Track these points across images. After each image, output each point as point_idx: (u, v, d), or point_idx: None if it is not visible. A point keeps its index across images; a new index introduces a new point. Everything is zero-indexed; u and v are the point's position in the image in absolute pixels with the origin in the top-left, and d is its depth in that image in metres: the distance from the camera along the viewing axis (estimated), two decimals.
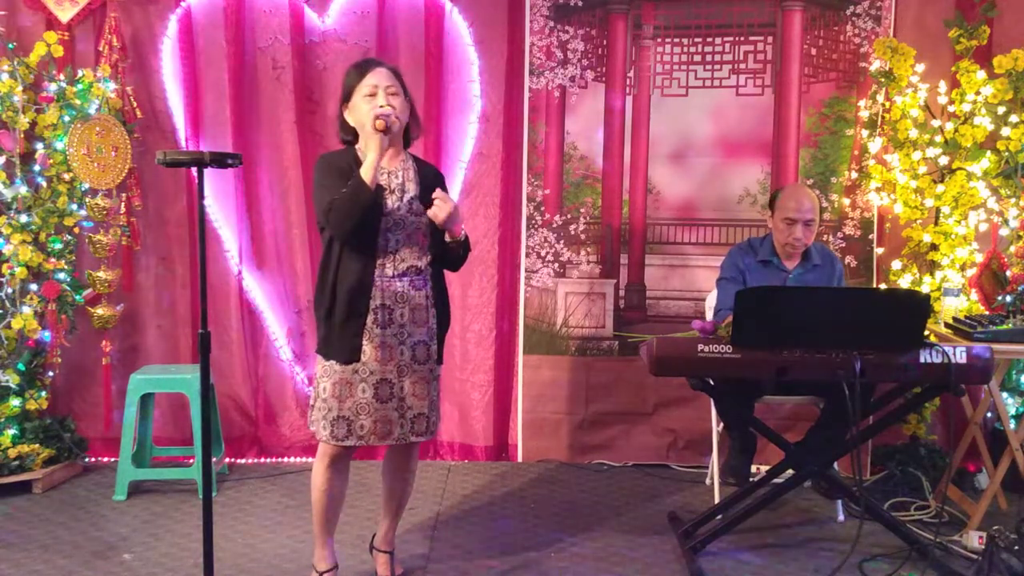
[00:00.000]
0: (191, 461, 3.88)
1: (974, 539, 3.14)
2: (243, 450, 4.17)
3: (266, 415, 4.18)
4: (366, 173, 2.51)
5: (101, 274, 3.90)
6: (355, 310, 2.60)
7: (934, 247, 3.74)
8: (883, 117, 3.87)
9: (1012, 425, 3.40)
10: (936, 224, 3.75)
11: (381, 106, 2.56)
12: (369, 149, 2.54)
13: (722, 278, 3.49)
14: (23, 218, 3.76)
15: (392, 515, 2.90)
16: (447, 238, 2.67)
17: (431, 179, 2.74)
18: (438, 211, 2.58)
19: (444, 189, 2.74)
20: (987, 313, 3.44)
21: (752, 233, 3.92)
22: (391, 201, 2.62)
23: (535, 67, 4.09)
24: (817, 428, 3.36)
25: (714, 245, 4.06)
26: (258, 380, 4.18)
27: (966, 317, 3.34)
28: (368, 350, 2.61)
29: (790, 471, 3.20)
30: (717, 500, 3.50)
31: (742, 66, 4.05)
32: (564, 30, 4.07)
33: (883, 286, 3.93)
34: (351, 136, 2.71)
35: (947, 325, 3.38)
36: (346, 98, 2.67)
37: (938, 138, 3.71)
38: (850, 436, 2.82)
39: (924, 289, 3.71)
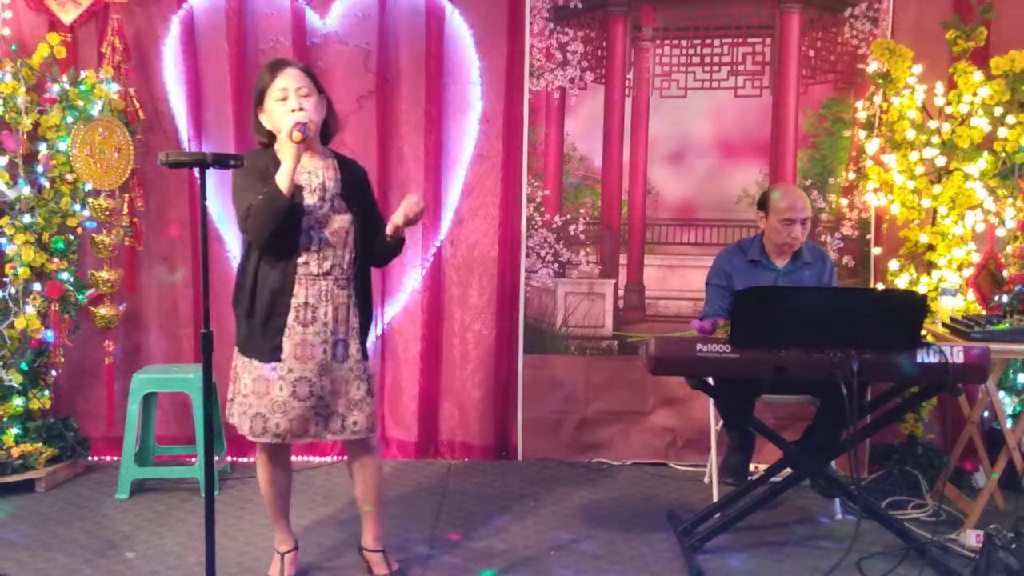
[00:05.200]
0: (193, 460, 3.90)
1: (971, 538, 3.15)
2: (245, 449, 4.16)
3: None
4: (282, 181, 2.52)
5: (104, 274, 3.91)
6: (276, 310, 2.62)
7: (931, 247, 3.76)
8: (880, 118, 3.89)
9: (1009, 424, 3.42)
10: (933, 224, 3.76)
11: (295, 110, 2.57)
12: (284, 157, 2.54)
13: (708, 283, 3.52)
14: (26, 218, 3.77)
15: (371, 515, 2.89)
16: (390, 232, 2.69)
17: (355, 175, 2.77)
18: (415, 209, 2.63)
19: (368, 187, 2.80)
20: (984, 313, 3.46)
21: (750, 234, 3.93)
22: (312, 200, 2.63)
23: (535, 69, 4.11)
24: (814, 427, 3.38)
25: (713, 245, 4.08)
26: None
27: (963, 317, 3.35)
28: (287, 348, 2.63)
29: (788, 470, 3.22)
30: (716, 498, 3.52)
31: (740, 68, 4.07)
32: (564, 32, 4.09)
33: (880, 286, 3.95)
34: (266, 138, 2.71)
35: (944, 325, 3.40)
36: (259, 100, 2.67)
37: (935, 139, 3.73)
38: (847, 435, 2.84)
39: (921, 289, 3.72)
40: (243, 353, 2.70)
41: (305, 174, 2.65)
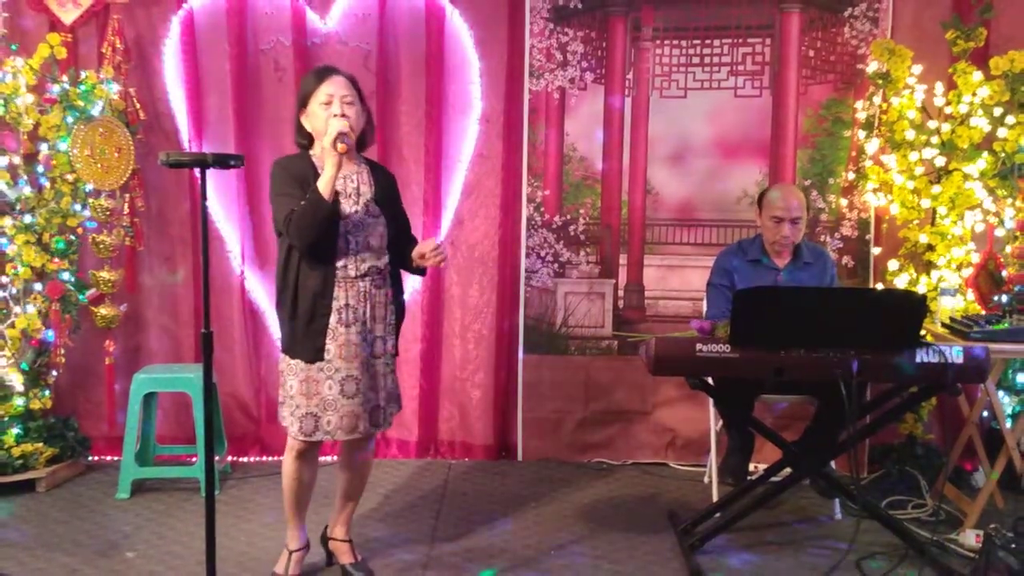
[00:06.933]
0: (194, 460, 3.90)
1: (971, 537, 3.16)
2: (245, 449, 4.20)
3: (268, 414, 4.20)
4: (324, 189, 2.58)
5: (104, 274, 3.91)
6: (319, 311, 2.68)
7: (931, 247, 3.76)
8: (880, 118, 3.89)
9: (1008, 424, 3.42)
10: (933, 225, 3.76)
11: (337, 115, 2.63)
12: (327, 165, 2.60)
13: (710, 283, 3.52)
14: (27, 219, 3.77)
15: (350, 507, 2.99)
16: (416, 260, 2.80)
17: (386, 180, 2.87)
18: (438, 260, 2.74)
19: (397, 191, 2.90)
20: (983, 313, 3.46)
21: (750, 234, 3.93)
22: (347, 205, 2.71)
23: (535, 69, 4.11)
24: (814, 427, 3.38)
25: (712, 246, 4.08)
26: (260, 379, 4.20)
27: (963, 317, 3.35)
28: (332, 348, 2.70)
29: (788, 469, 3.23)
30: (715, 498, 3.52)
31: (740, 68, 4.07)
32: (564, 32, 4.10)
33: (880, 286, 3.95)
34: (307, 140, 2.78)
35: (944, 325, 3.40)
36: (303, 103, 2.74)
37: (935, 139, 3.73)
38: (847, 435, 2.84)
39: (921, 289, 3.72)
40: (287, 353, 2.76)
41: (341, 179, 2.72)
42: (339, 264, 2.69)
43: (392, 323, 2.84)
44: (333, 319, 2.69)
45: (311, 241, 2.61)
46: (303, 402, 2.71)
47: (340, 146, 2.58)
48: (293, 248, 2.68)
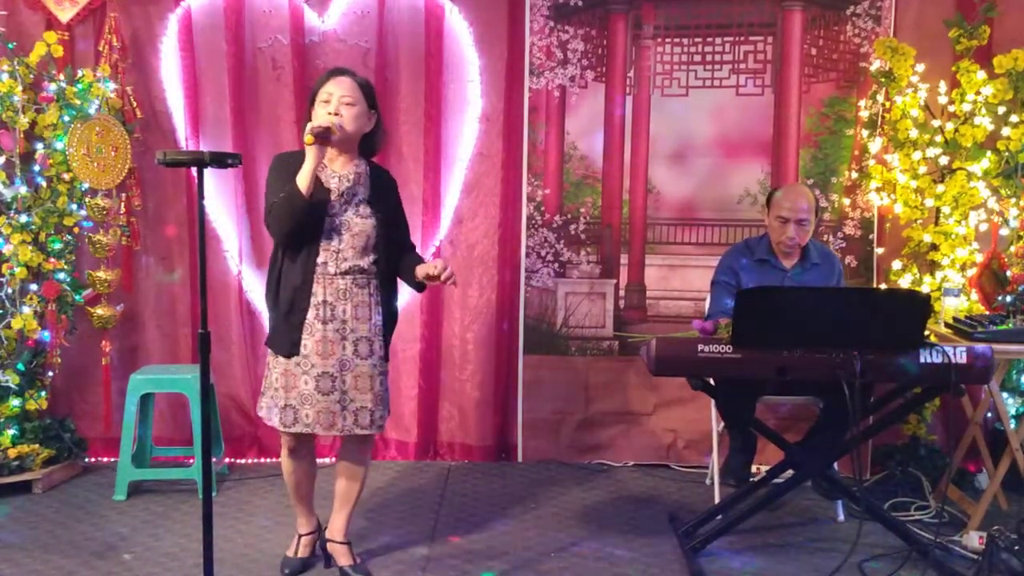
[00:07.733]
0: (191, 461, 3.88)
1: (974, 539, 3.14)
2: (243, 450, 4.18)
3: None
4: (301, 181, 2.62)
5: (101, 274, 3.90)
6: (296, 306, 2.72)
7: (934, 247, 3.74)
8: (883, 117, 3.87)
9: (1012, 425, 3.40)
10: (936, 224, 3.74)
11: (330, 114, 2.67)
12: (307, 158, 2.63)
13: (716, 281, 3.49)
14: (23, 218, 3.75)
15: (347, 509, 2.99)
16: (419, 277, 2.77)
17: (384, 183, 2.88)
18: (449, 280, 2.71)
19: (397, 197, 2.90)
20: (987, 313, 3.44)
21: (752, 233, 3.91)
22: (336, 203, 2.73)
23: (535, 67, 4.08)
24: (817, 428, 3.37)
25: (714, 245, 4.06)
26: (258, 380, 4.16)
27: (966, 317, 3.33)
28: (309, 344, 2.72)
29: (790, 471, 3.20)
30: (717, 500, 3.50)
31: (742, 66, 4.05)
32: (564, 30, 4.07)
33: (883, 286, 3.93)
34: None
35: (947, 325, 3.38)
36: (312, 100, 2.77)
37: (938, 138, 3.71)
38: (850, 436, 2.82)
39: (924, 289, 3.70)
40: (267, 345, 2.81)
41: (336, 178, 2.75)
42: (319, 260, 2.71)
43: (380, 325, 2.82)
44: (311, 314, 2.72)
45: (286, 231, 2.66)
46: (283, 395, 2.75)
47: (307, 137, 2.60)
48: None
